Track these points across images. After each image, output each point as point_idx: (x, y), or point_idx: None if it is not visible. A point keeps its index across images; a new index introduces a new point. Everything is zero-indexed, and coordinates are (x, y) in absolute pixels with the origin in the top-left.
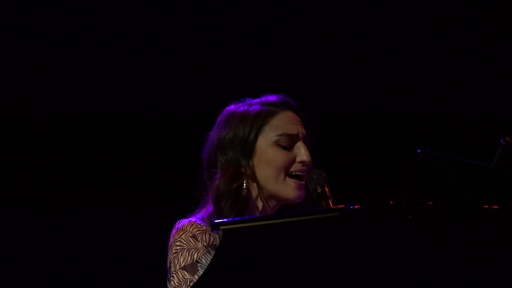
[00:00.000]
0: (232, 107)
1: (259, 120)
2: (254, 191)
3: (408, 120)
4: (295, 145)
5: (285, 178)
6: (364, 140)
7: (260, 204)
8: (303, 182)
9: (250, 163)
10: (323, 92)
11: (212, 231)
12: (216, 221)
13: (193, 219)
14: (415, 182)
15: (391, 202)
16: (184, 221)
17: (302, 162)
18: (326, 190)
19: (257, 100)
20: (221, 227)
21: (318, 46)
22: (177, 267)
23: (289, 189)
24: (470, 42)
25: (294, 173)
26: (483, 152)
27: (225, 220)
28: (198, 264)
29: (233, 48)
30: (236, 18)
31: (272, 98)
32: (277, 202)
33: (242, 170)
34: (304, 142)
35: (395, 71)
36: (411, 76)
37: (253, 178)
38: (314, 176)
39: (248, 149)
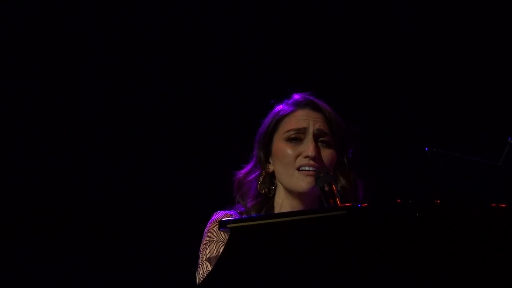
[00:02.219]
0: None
1: (276, 118)
2: (278, 189)
3: (415, 117)
4: (304, 140)
5: (293, 172)
6: (371, 137)
7: (283, 202)
8: (312, 172)
9: (271, 160)
10: (328, 90)
11: (219, 229)
12: (223, 219)
13: (230, 211)
14: (422, 180)
15: (399, 201)
16: (221, 213)
17: (306, 156)
18: (334, 188)
19: (289, 100)
20: (228, 225)
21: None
22: (203, 258)
23: (297, 181)
24: (477, 41)
25: (301, 168)
26: (490, 150)
27: (232, 218)
28: (222, 250)
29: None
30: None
31: (296, 96)
32: (297, 199)
33: (263, 165)
34: (318, 138)
35: (403, 69)
36: (418, 73)
37: (274, 175)
38: (322, 175)
39: (265, 146)
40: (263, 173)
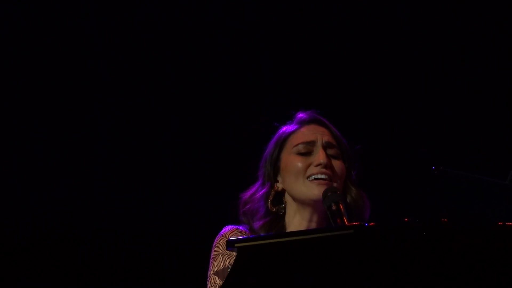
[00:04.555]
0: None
1: (282, 138)
2: (288, 206)
3: (422, 136)
4: (313, 151)
5: (304, 181)
6: (378, 156)
7: (295, 215)
8: (324, 181)
9: (279, 178)
10: (336, 107)
11: (226, 248)
12: (230, 239)
13: (240, 226)
14: (429, 199)
15: (406, 219)
16: (228, 227)
17: (318, 164)
18: (341, 207)
19: (293, 119)
20: (235, 245)
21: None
22: (211, 271)
23: (308, 190)
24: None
25: (313, 176)
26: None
27: (239, 238)
28: (229, 270)
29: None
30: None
31: (301, 115)
32: (308, 210)
33: (272, 182)
34: (326, 149)
35: (410, 87)
36: (425, 91)
37: (282, 194)
38: (329, 194)
39: (273, 163)
40: (272, 192)
